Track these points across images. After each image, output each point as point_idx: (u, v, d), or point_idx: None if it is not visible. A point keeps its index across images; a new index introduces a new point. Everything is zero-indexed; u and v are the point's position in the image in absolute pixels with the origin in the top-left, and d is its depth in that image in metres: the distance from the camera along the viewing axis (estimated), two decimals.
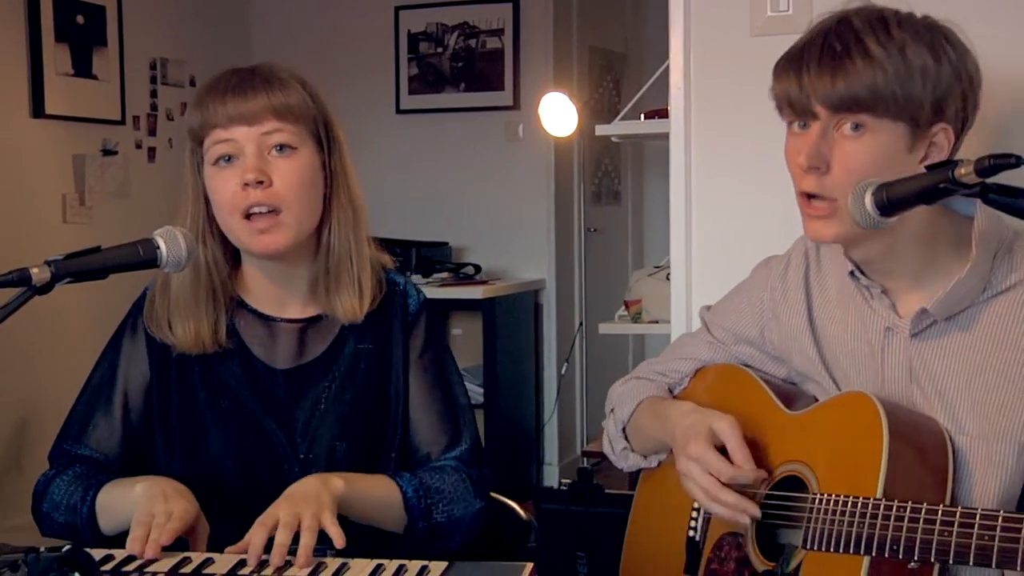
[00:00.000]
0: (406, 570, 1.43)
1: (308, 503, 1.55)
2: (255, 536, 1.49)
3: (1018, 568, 1.30)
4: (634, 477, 3.69)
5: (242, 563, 1.47)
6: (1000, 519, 1.32)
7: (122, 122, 5.16)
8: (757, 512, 1.60)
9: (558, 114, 4.99)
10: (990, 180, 1.21)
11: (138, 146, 5.31)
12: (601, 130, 2.66)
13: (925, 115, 1.47)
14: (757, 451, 1.66)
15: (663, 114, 2.81)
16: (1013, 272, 1.51)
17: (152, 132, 5.40)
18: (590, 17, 6.02)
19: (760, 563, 1.61)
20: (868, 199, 1.34)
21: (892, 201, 1.31)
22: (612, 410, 1.92)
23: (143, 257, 1.53)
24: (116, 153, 5.12)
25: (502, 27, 5.67)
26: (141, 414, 1.80)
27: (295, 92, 1.72)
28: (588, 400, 5.99)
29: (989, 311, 1.52)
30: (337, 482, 1.63)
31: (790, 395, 1.74)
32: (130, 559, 1.49)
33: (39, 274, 1.44)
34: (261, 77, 1.72)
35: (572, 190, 5.90)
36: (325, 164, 1.76)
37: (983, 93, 1.53)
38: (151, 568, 1.47)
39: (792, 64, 1.53)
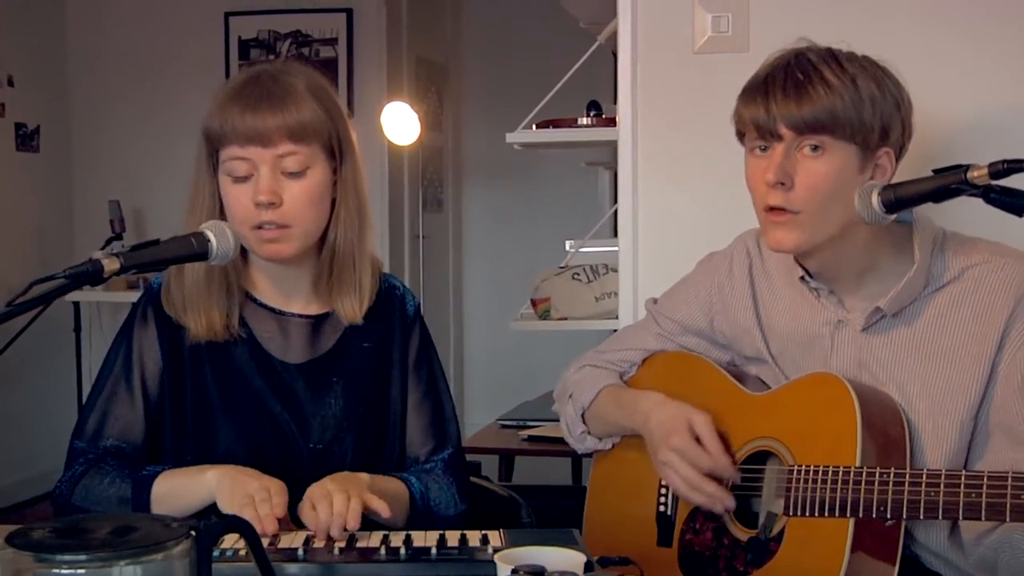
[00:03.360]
0: (468, 540, 1.54)
1: (350, 483, 1.65)
2: (322, 510, 1.58)
3: (983, 518, 1.51)
4: (508, 466, 3.84)
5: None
6: (963, 479, 1.53)
7: None
8: (733, 503, 1.77)
9: (399, 123, 5.11)
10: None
11: None
12: (512, 138, 2.80)
13: (874, 139, 1.69)
14: (724, 428, 1.83)
15: (558, 124, 3.00)
16: (947, 270, 1.74)
17: None
18: (416, 28, 6.16)
19: (741, 532, 1.77)
20: (875, 198, 1.56)
21: (901, 200, 1.53)
22: (571, 396, 2.05)
23: (196, 250, 1.59)
24: None
25: (336, 36, 5.73)
26: (157, 400, 1.84)
27: (309, 108, 1.77)
28: None
29: (930, 305, 1.74)
30: (363, 476, 1.73)
31: (742, 377, 1.93)
32: None
33: (109, 265, 1.48)
34: (279, 94, 1.76)
35: (403, 198, 6.02)
36: (336, 171, 1.83)
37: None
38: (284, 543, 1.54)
39: (759, 91, 1.72)
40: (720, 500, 1.76)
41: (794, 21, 2.17)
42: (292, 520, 1.66)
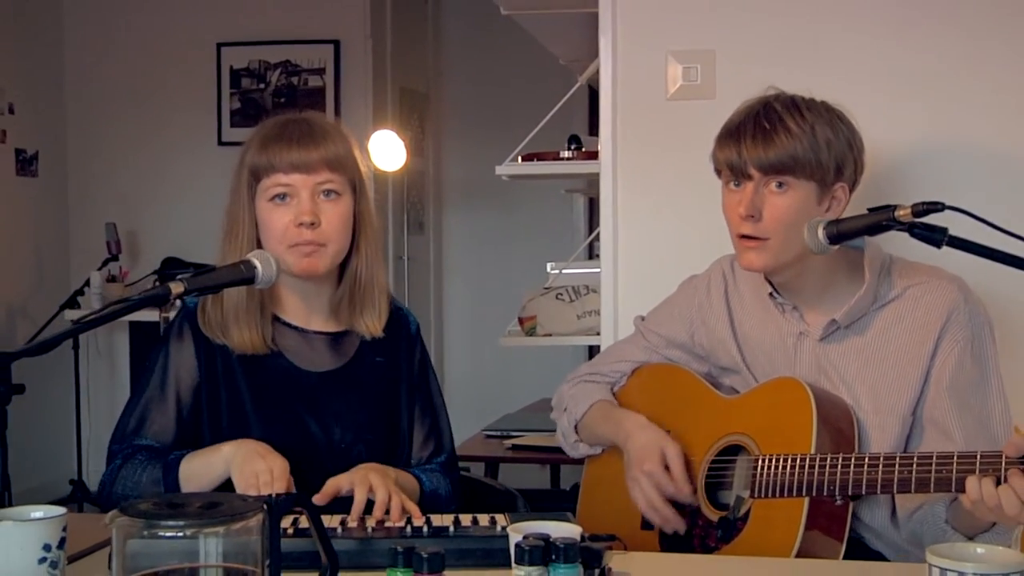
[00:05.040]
0: (479, 520, 1.81)
1: (387, 476, 1.92)
2: (359, 494, 1.85)
3: (912, 491, 1.79)
4: (493, 472, 4.10)
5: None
6: (897, 459, 1.80)
7: None
8: (683, 527, 2.05)
9: (386, 150, 5.38)
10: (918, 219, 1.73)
11: None
12: (501, 170, 3.07)
13: (830, 177, 1.98)
14: (701, 426, 2.11)
15: (542, 157, 3.28)
16: (892, 289, 2.03)
17: None
18: (400, 59, 6.45)
19: (713, 514, 2.04)
20: (821, 232, 1.85)
21: (842, 233, 1.82)
22: (565, 409, 2.33)
23: (244, 275, 1.85)
24: None
25: (323, 66, 6.01)
26: (190, 409, 2.08)
27: (344, 146, 2.06)
28: None
29: (878, 318, 2.03)
30: (391, 470, 2.00)
31: (717, 386, 2.21)
32: None
33: (176, 288, 1.74)
34: (319, 132, 2.04)
35: (387, 221, 6.29)
36: (355, 206, 2.10)
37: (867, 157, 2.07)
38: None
39: (732, 138, 2.01)
40: (673, 524, 2.05)
41: (756, 73, 2.44)
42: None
